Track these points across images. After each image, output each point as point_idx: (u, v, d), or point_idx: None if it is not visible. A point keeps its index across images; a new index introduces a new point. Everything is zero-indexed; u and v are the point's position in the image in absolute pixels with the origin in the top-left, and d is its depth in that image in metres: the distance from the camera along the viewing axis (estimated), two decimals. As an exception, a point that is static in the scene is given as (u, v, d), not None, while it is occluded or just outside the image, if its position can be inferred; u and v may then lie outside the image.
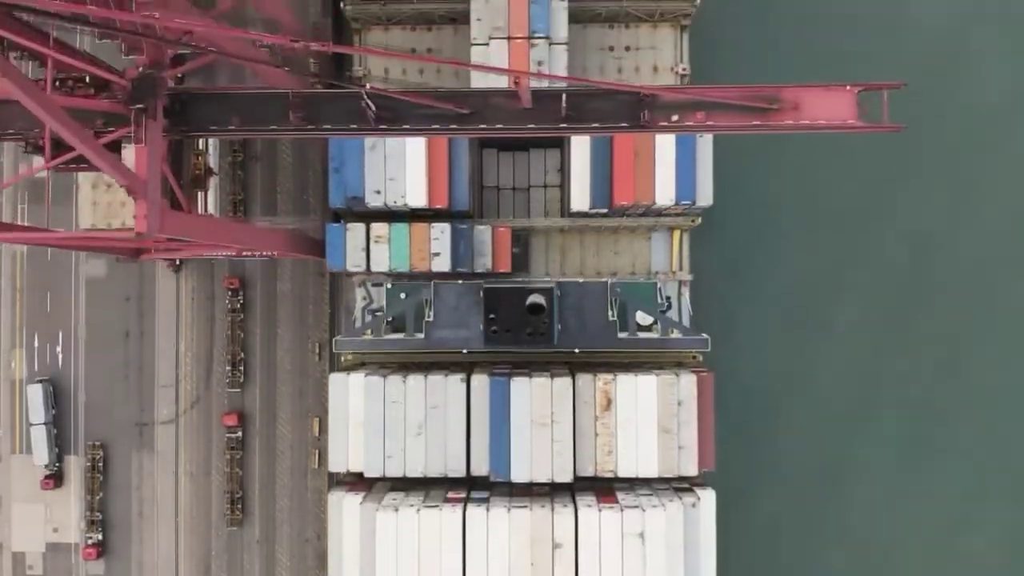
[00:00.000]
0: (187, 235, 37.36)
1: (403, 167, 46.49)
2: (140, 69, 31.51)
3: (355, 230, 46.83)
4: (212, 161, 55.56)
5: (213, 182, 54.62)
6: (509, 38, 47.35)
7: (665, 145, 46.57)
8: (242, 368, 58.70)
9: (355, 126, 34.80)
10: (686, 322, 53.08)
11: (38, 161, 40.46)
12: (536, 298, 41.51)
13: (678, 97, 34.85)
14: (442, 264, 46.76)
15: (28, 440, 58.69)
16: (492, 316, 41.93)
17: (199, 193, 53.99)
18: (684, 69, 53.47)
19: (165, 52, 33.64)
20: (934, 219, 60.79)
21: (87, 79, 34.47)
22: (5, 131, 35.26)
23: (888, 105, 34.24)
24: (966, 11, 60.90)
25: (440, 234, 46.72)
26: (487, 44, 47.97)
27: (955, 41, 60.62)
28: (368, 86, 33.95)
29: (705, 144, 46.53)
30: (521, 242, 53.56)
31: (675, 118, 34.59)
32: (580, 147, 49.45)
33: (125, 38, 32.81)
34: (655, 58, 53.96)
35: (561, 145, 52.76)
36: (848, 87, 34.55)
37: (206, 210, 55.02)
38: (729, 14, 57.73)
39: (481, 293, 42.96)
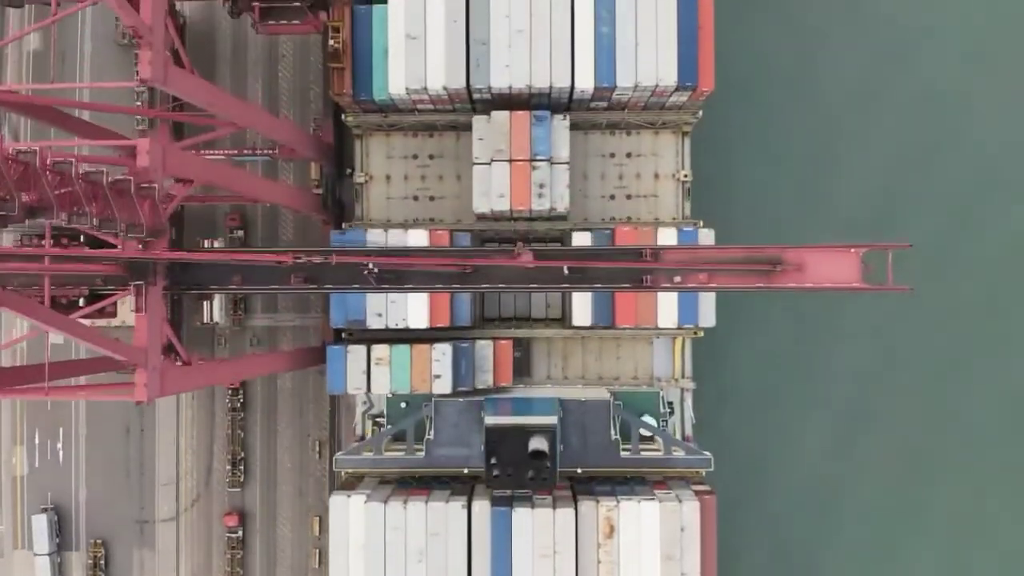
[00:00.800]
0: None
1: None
2: (139, 246, 31.52)
3: (356, 352, 46.67)
4: (220, 321, 55.76)
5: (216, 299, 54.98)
6: (511, 160, 47.26)
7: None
8: (242, 467, 58.56)
9: (357, 286, 34.73)
10: (688, 429, 52.95)
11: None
12: (538, 444, 41.35)
13: (680, 258, 34.72)
14: (443, 386, 46.63)
15: (30, 535, 58.70)
16: (493, 461, 41.74)
17: (204, 302, 54.31)
18: (686, 176, 53.39)
19: (163, 218, 33.55)
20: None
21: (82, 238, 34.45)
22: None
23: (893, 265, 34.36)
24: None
25: (442, 356, 46.58)
26: (489, 164, 47.87)
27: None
28: (372, 265, 33.64)
29: (707, 269, 46.40)
30: (523, 346, 53.53)
31: (677, 279, 34.52)
32: (581, 239, 49.48)
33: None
34: (656, 165, 53.91)
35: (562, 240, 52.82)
36: (852, 249, 34.51)
37: (212, 319, 55.35)
38: (731, 118, 57.63)
39: (483, 433, 42.81)
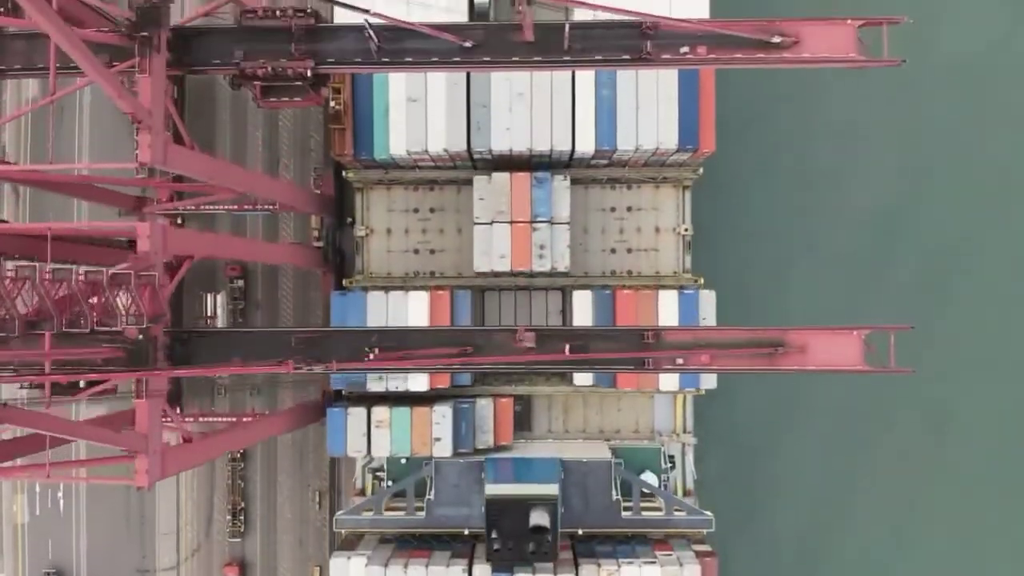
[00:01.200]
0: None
1: (405, 353, 46.28)
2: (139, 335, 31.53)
3: (356, 415, 46.67)
4: (220, 321, 55.80)
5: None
6: (512, 222, 47.26)
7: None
8: (242, 517, 58.44)
9: (358, 364, 34.72)
10: (690, 484, 52.90)
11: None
12: (539, 518, 41.34)
13: (682, 339, 34.70)
14: (443, 449, 46.60)
15: (31, 585, 58.75)
16: (495, 536, 41.71)
17: (207, 295, 54.67)
18: (686, 230, 53.40)
19: (163, 302, 33.52)
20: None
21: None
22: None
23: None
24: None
25: (442, 418, 46.54)
26: (490, 224, 47.89)
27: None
28: (372, 355, 33.62)
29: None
30: (523, 400, 53.48)
31: (680, 361, 34.49)
32: (582, 300, 49.65)
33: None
34: (657, 218, 53.85)
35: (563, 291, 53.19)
36: (855, 332, 34.50)
37: (213, 312, 55.58)
38: (733, 171, 57.59)
39: (483, 496, 42.81)
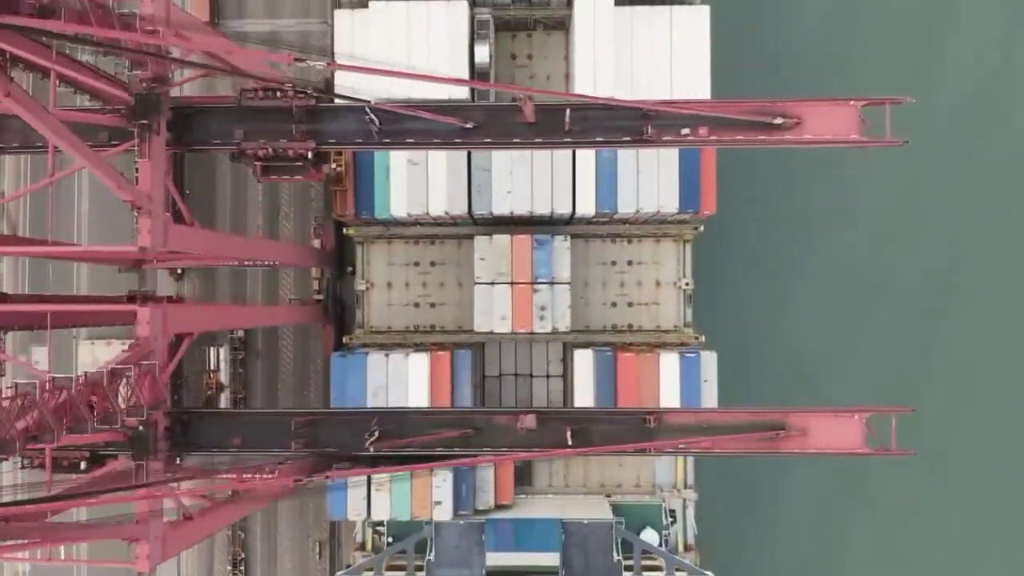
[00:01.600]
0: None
1: (405, 416, 46.20)
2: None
3: (356, 483, 46.47)
4: (223, 376, 55.68)
5: (224, 395, 55.01)
6: (512, 283, 47.18)
7: (670, 391, 46.36)
8: (243, 568, 58.29)
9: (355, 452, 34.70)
10: (691, 539, 52.72)
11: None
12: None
13: (683, 421, 34.62)
14: (444, 512, 46.45)
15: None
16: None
17: (209, 349, 54.54)
18: (687, 284, 53.32)
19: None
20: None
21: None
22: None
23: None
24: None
25: (442, 482, 46.37)
26: (490, 284, 47.79)
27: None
28: (369, 441, 33.56)
29: (709, 401, 46.32)
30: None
31: (681, 446, 34.39)
32: (583, 363, 49.52)
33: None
34: (657, 272, 53.77)
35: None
36: (856, 415, 34.43)
37: (216, 366, 55.50)
38: (734, 224, 57.53)
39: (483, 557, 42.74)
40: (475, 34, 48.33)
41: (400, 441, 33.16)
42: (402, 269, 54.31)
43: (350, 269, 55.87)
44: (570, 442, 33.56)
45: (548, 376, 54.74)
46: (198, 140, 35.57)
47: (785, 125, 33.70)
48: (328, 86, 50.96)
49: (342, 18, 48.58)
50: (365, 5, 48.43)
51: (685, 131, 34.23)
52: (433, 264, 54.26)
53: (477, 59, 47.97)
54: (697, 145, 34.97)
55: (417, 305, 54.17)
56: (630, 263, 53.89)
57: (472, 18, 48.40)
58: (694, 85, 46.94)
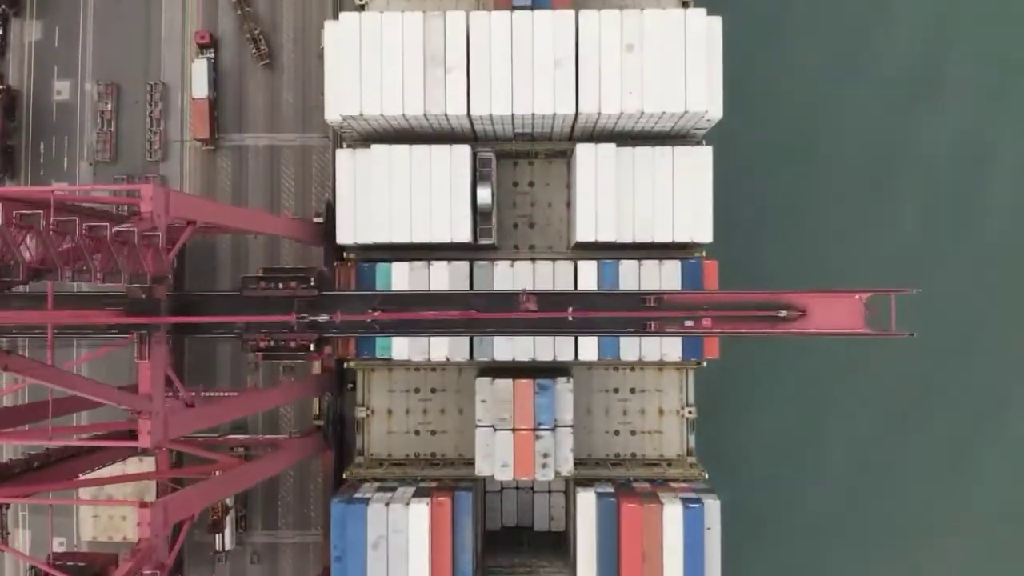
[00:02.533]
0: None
1: (405, 565, 45.82)
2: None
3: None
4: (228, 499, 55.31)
5: (228, 519, 54.72)
6: (514, 430, 46.82)
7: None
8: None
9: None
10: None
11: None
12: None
13: None
14: None
15: None
16: None
17: (216, 535, 54.11)
18: (690, 412, 53.05)
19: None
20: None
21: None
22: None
23: None
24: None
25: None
26: (492, 429, 47.39)
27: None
28: None
29: (713, 549, 45.91)
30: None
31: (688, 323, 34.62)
32: (585, 509, 49.05)
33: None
34: (660, 400, 53.50)
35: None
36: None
37: (224, 547, 55.12)
38: (736, 352, 57.25)
39: None
40: (477, 172, 48.15)
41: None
42: (402, 396, 53.95)
43: (350, 385, 55.53)
44: None
45: (550, 491, 54.71)
46: (199, 329, 35.40)
47: (790, 317, 33.59)
48: (329, 209, 51.23)
49: (343, 157, 48.34)
50: (367, 145, 48.26)
51: (688, 323, 34.12)
52: (433, 391, 53.93)
53: (479, 200, 47.74)
54: (701, 335, 34.76)
55: (418, 432, 53.86)
56: (633, 391, 53.58)
57: (474, 156, 48.23)
58: (695, 226, 46.80)
